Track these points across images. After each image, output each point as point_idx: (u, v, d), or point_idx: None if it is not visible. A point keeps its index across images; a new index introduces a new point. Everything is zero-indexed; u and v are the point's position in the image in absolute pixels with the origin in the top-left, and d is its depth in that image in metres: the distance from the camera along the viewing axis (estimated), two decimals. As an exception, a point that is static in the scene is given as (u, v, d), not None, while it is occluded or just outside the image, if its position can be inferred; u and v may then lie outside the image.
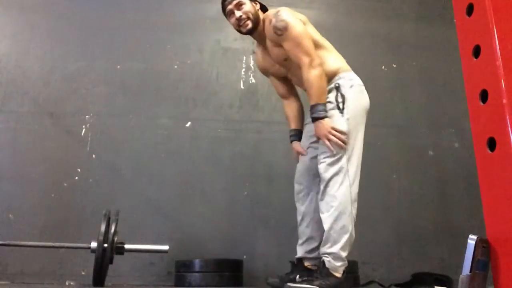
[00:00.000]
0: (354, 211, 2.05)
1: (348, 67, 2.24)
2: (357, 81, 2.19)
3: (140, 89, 3.40)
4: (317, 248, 2.18)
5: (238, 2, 2.21)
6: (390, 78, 3.62)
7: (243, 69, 3.51)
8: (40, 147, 3.19)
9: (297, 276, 2.14)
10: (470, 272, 1.03)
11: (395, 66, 3.66)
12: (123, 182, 3.19)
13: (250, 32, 2.24)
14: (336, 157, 2.05)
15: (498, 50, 1.06)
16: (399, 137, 3.49)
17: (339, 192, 2.02)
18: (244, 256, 3.03)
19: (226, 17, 2.30)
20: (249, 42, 3.39)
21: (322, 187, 2.07)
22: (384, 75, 3.62)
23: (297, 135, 2.37)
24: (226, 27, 3.52)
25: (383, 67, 3.64)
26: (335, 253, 2.00)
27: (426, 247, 3.26)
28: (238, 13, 2.19)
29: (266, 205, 3.22)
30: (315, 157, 2.21)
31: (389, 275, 3.09)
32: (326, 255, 2.01)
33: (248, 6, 2.21)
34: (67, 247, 2.69)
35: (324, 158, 2.07)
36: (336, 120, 2.07)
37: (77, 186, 3.14)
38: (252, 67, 3.48)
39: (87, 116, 3.29)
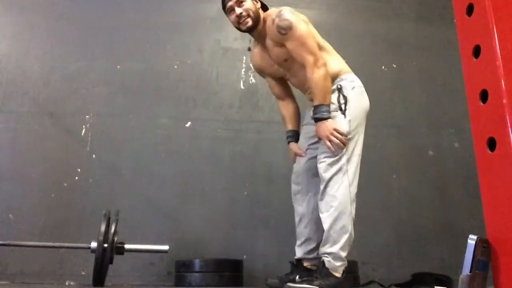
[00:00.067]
0: (353, 211, 2.06)
1: (349, 69, 2.24)
2: (358, 82, 2.20)
3: (140, 89, 3.40)
4: (316, 248, 2.19)
5: None
6: (390, 78, 3.62)
7: (243, 69, 3.51)
8: (40, 147, 3.19)
9: (297, 277, 2.14)
10: (470, 272, 1.03)
11: (395, 66, 3.66)
12: (123, 182, 3.19)
13: (249, 30, 2.21)
14: (336, 158, 2.05)
15: (498, 50, 1.06)
16: (399, 137, 3.49)
17: (339, 192, 2.03)
18: (244, 256, 3.03)
19: (226, 14, 2.25)
20: (249, 42, 3.39)
21: (322, 187, 2.07)
22: (384, 75, 3.62)
23: (294, 136, 2.37)
24: (226, 27, 3.53)
25: (383, 67, 3.64)
26: (335, 253, 2.00)
27: (426, 247, 3.26)
28: (238, 10, 2.16)
29: (266, 205, 3.21)
30: (314, 157, 2.22)
31: (389, 275, 3.09)
32: (326, 255, 2.02)
33: (249, 4, 2.18)
34: (67, 247, 2.69)
35: (324, 158, 2.07)
36: (338, 121, 2.07)
37: (77, 186, 3.14)
38: (252, 67, 3.49)
39: (87, 116, 3.29)
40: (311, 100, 2.27)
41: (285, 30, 2.07)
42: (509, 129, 1.01)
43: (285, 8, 2.12)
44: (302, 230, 2.24)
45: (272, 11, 2.17)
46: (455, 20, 1.25)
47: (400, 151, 3.46)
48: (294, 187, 2.31)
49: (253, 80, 3.47)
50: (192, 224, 3.15)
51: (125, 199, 3.11)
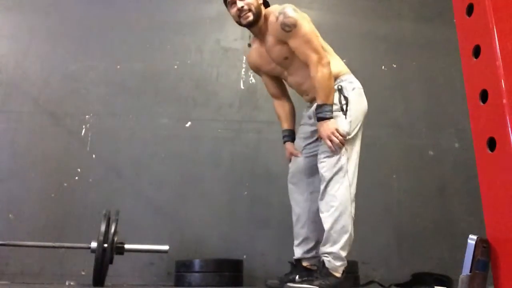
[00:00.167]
0: (353, 211, 2.06)
1: (348, 70, 2.24)
2: (357, 84, 2.20)
3: (140, 89, 3.40)
4: (314, 247, 2.20)
5: None
6: (390, 78, 3.62)
7: (243, 69, 3.51)
8: (40, 147, 3.19)
9: (297, 276, 2.15)
10: (470, 272, 1.03)
11: (395, 66, 3.66)
12: (123, 182, 3.19)
13: (250, 25, 2.17)
14: (336, 158, 2.06)
15: (498, 50, 1.06)
16: (399, 137, 3.49)
17: (339, 192, 2.03)
18: (244, 256, 3.03)
19: (227, 7, 2.21)
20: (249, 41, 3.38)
21: (322, 187, 2.07)
22: (384, 75, 3.62)
23: (290, 135, 2.37)
24: (226, 27, 3.54)
25: (383, 67, 3.64)
26: (335, 253, 2.00)
27: (426, 247, 3.26)
28: (240, 3, 2.12)
29: (266, 205, 3.21)
30: (310, 157, 2.23)
31: (389, 275, 3.09)
32: (326, 255, 2.02)
33: None
34: (67, 247, 2.69)
35: (325, 158, 2.08)
36: (339, 122, 2.07)
37: (77, 186, 3.14)
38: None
39: (87, 116, 3.29)
40: (309, 101, 2.28)
41: (290, 28, 2.06)
42: (509, 129, 1.01)
43: (288, 6, 2.10)
44: (300, 230, 2.24)
45: (274, 8, 2.15)
46: (455, 20, 1.25)
47: (400, 151, 3.46)
48: (290, 187, 2.32)
49: (253, 80, 3.47)
50: (192, 224, 3.15)
51: (125, 199, 3.11)
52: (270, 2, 2.27)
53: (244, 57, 3.51)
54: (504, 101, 1.03)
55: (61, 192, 3.12)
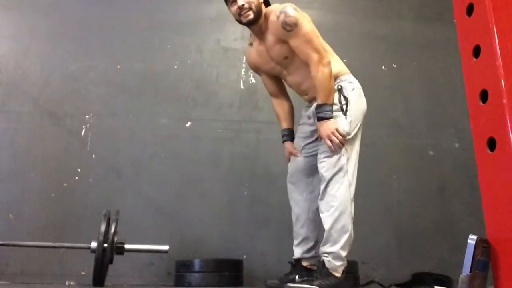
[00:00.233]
0: (353, 211, 2.07)
1: (348, 70, 2.23)
2: (357, 84, 2.20)
3: (140, 89, 3.40)
4: (314, 247, 2.21)
5: None
6: (390, 78, 3.62)
7: (243, 69, 3.51)
8: (40, 147, 3.19)
9: (297, 276, 2.15)
10: (470, 272, 1.03)
11: (395, 66, 3.66)
12: (123, 182, 3.19)
13: (250, 24, 2.16)
14: (336, 157, 2.06)
15: (498, 50, 1.06)
16: (399, 137, 3.49)
17: (339, 192, 2.03)
18: (244, 256, 3.03)
19: (227, 5, 2.20)
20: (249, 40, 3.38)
21: (322, 186, 2.07)
22: (384, 75, 3.62)
23: (290, 135, 2.37)
24: (226, 27, 3.54)
25: (383, 67, 3.64)
26: (335, 253, 2.00)
27: (426, 247, 3.25)
28: (240, 2, 2.10)
29: (266, 205, 3.21)
30: (309, 157, 2.23)
31: (389, 275, 3.09)
32: (326, 255, 2.02)
33: None
34: (67, 247, 2.69)
35: (325, 157, 2.08)
36: (339, 122, 2.07)
37: (77, 186, 3.14)
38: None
39: (87, 116, 3.29)
40: (308, 101, 2.27)
41: (291, 27, 2.05)
42: (509, 129, 1.01)
43: (289, 5, 2.10)
44: (299, 230, 2.24)
45: (275, 7, 2.15)
46: (455, 20, 1.25)
47: (400, 151, 3.46)
48: (289, 187, 2.32)
49: (253, 80, 3.47)
50: (192, 224, 3.15)
51: (125, 199, 3.11)
52: (273, 2, 2.26)
53: (244, 57, 3.51)
54: (504, 101, 1.03)
55: (61, 192, 3.12)
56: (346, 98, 2.11)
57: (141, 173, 3.22)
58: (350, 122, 2.09)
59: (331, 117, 2.06)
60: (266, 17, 2.15)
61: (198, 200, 3.21)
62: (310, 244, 2.21)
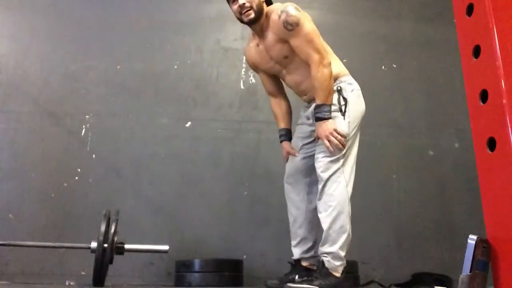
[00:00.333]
0: (350, 211, 2.07)
1: (347, 71, 2.23)
2: (356, 85, 2.20)
3: (140, 89, 3.40)
4: (312, 247, 2.21)
5: None
6: (390, 78, 3.62)
7: (243, 69, 3.51)
8: (40, 147, 3.19)
9: (297, 276, 2.15)
10: (470, 272, 1.03)
11: (395, 66, 3.65)
12: (123, 182, 3.19)
13: (251, 23, 2.15)
14: (334, 157, 2.06)
15: (498, 50, 1.06)
16: (399, 137, 3.48)
17: (337, 191, 2.03)
18: (244, 256, 3.03)
19: (229, 4, 2.19)
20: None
21: (320, 186, 2.07)
22: (384, 75, 3.62)
23: (287, 134, 2.36)
24: (226, 27, 3.54)
25: (383, 67, 3.64)
26: (334, 253, 2.00)
27: (426, 247, 3.25)
28: (242, 0, 2.10)
29: (266, 205, 3.21)
30: (307, 157, 2.23)
31: (389, 275, 3.09)
32: (325, 255, 2.02)
33: None
34: (67, 247, 2.69)
35: (323, 158, 2.08)
36: (338, 123, 2.07)
37: (77, 186, 3.14)
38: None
39: (87, 116, 3.29)
40: (307, 101, 2.27)
41: (292, 26, 2.05)
42: (509, 129, 1.01)
43: (291, 4, 2.09)
44: (297, 231, 2.24)
45: (276, 6, 2.14)
46: (455, 20, 1.25)
47: (400, 151, 3.46)
48: (287, 187, 2.31)
49: (253, 80, 3.47)
50: (192, 224, 3.15)
51: (125, 199, 3.11)
52: (273, 1, 2.26)
53: (244, 57, 3.50)
54: (504, 101, 1.03)
55: (61, 192, 3.12)
56: (345, 99, 2.11)
57: (141, 173, 3.22)
58: (349, 123, 2.09)
59: (330, 118, 2.06)
60: (268, 16, 2.15)
61: (198, 200, 3.21)
62: (309, 244, 2.21)
